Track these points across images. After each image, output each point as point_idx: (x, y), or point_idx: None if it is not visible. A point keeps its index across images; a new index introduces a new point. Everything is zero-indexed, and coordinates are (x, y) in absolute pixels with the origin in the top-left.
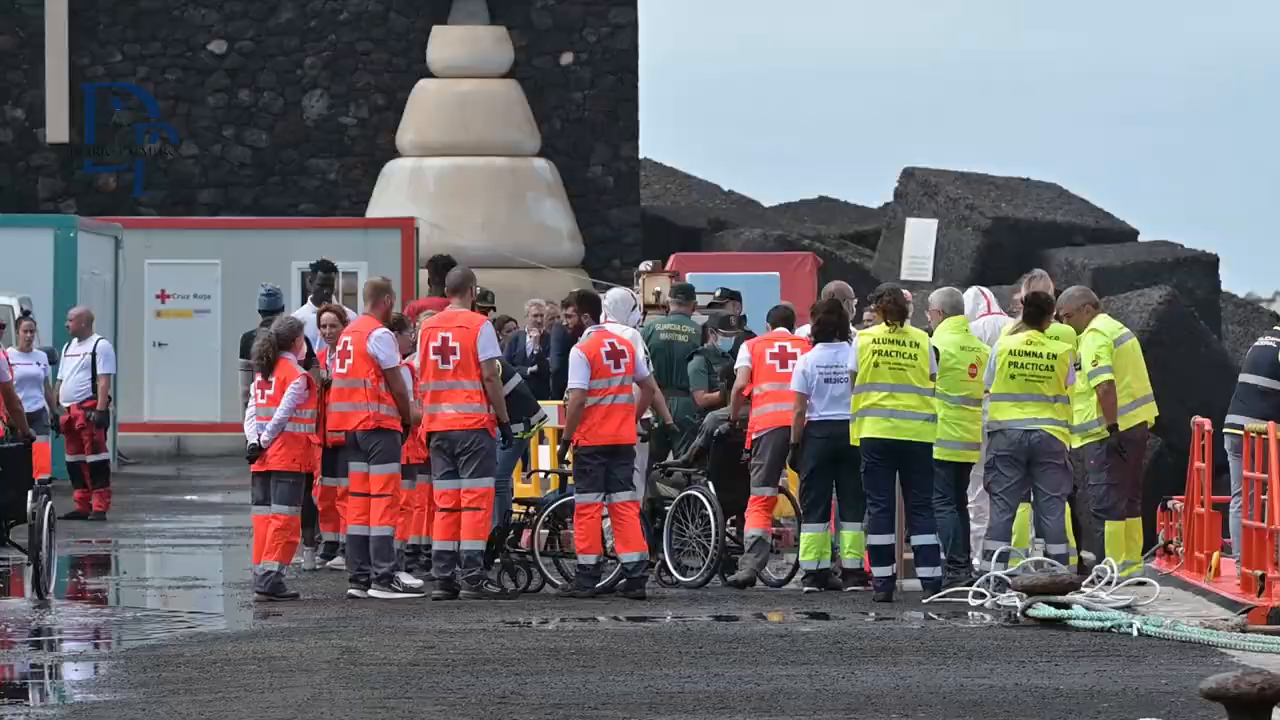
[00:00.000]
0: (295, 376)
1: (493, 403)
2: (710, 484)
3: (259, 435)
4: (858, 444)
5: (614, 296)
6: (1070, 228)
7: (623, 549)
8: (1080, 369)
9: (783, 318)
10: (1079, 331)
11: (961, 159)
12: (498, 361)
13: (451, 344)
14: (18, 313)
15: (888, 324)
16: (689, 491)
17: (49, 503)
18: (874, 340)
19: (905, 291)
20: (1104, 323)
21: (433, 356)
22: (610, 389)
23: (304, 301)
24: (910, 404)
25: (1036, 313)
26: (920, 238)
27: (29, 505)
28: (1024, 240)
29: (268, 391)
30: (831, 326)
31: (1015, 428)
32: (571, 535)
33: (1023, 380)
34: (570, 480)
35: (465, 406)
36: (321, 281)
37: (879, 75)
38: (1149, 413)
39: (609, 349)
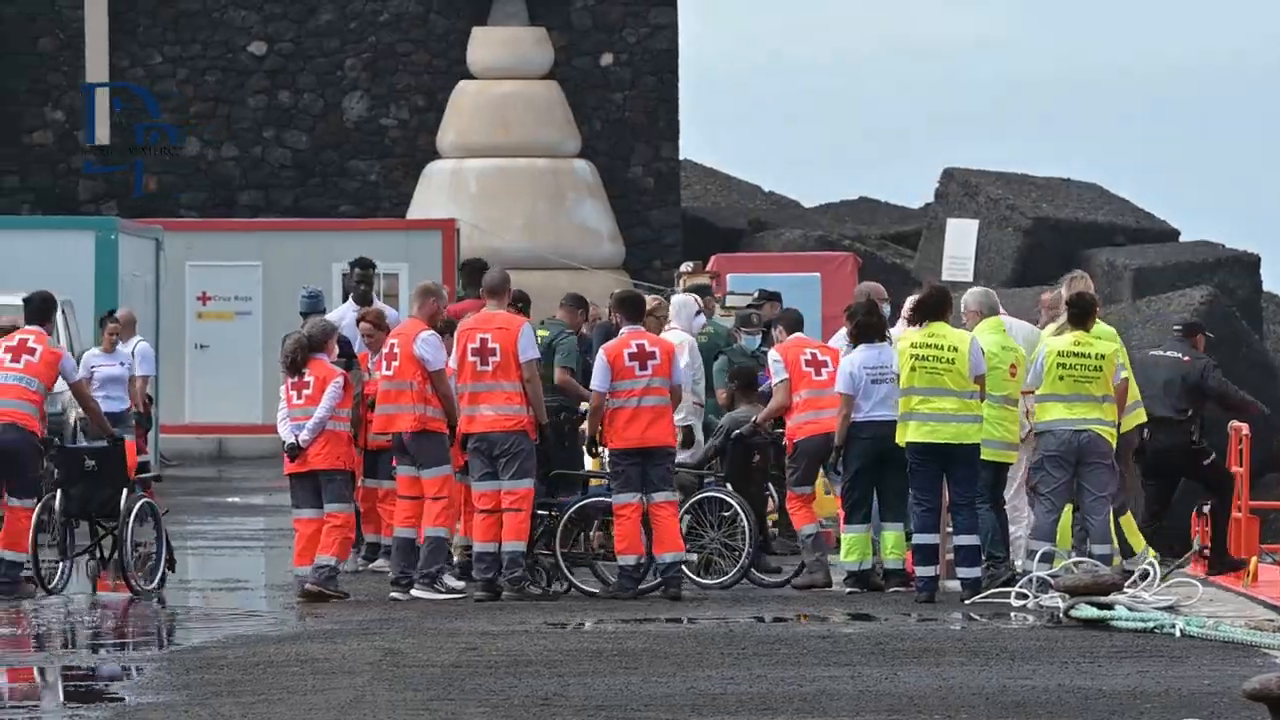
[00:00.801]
0: (334, 375)
1: (532, 404)
2: (728, 485)
3: (295, 435)
4: (903, 445)
5: (677, 302)
6: (1111, 228)
7: (659, 549)
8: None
9: (794, 321)
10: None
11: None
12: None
13: (491, 345)
14: (60, 314)
15: (919, 325)
16: (710, 493)
17: (142, 499)
18: (911, 344)
19: (945, 289)
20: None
21: (471, 358)
22: (635, 391)
23: (344, 301)
24: (947, 407)
25: (1081, 313)
26: (961, 238)
27: (123, 502)
28: (1065, 240)
29: (305, 391)
30: (872, 328)
31: (1064, 428)
32: (598, 537)
33: (1071, 381)
34: (592, 483)
35: (504, 408)
36: (359, 279)
37: (920, 76)
38: (1139, 418)
39: (634, 350)
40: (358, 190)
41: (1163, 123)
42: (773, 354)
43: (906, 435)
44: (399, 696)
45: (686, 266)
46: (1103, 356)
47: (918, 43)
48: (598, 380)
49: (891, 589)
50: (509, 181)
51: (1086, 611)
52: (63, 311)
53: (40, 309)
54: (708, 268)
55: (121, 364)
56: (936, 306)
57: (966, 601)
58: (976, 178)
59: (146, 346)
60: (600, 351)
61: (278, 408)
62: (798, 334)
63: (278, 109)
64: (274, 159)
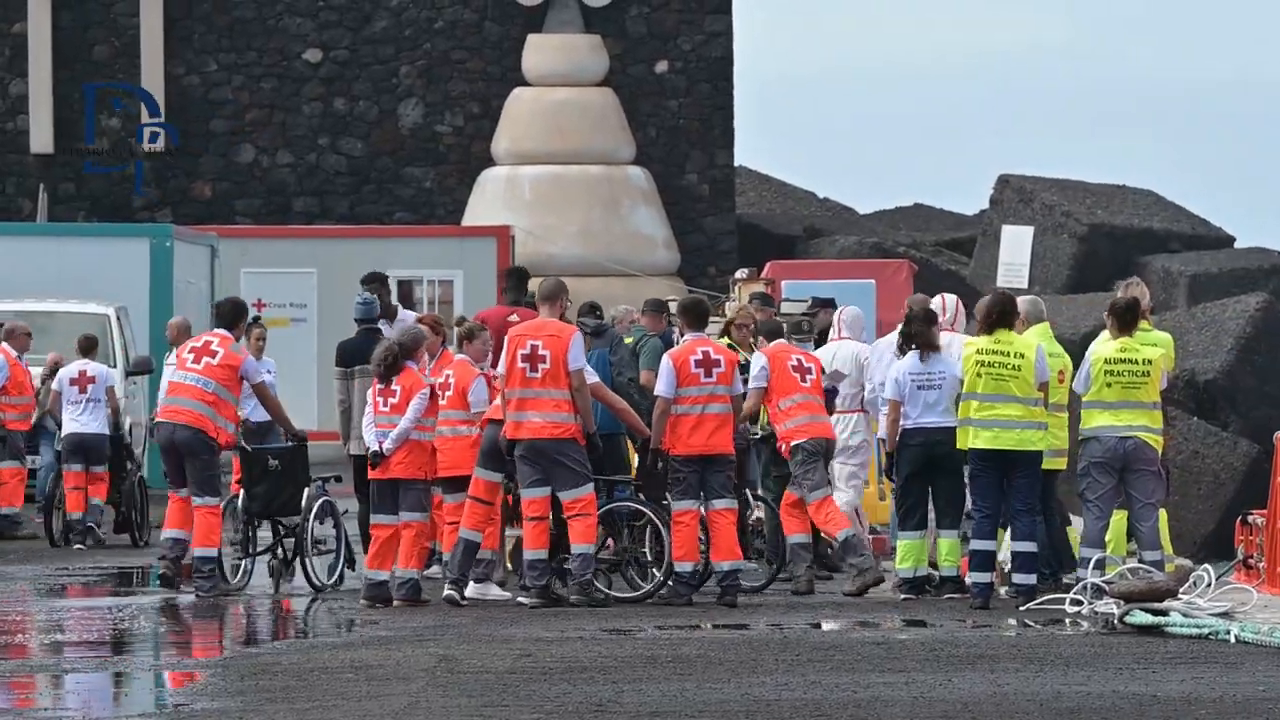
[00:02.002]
0: (421, 386)
1: (580, 412)
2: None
3: (380, 442)
4: (965, 450)
5: (851, 314)
6: (1166, 234)
7: (717, 557)
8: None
9: (774, 331)
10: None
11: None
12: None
13: (541, 352)
14: (115, 320)
15: (987, 331)
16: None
17: (323, 497)
18: (977, 350)
19: (1016, 299)
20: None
21: (520, 364)
22: (700, 398)
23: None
24: (1010, 414)
25: (1129, 319)
26: (1016, 245)
27: (304, 501)
28: (1120, 247)
29: (391, 400)
30: (923, 337)
31: (1109, 434)
32: (617, 543)
33: (1119, 387)
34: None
35: (553, 415)
36: (374, 293)
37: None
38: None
39: (700, 358)
40: (412, 197)
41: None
42: (758, 358)
43: (969, 441)
44: (453, 703)
45: (741, 273)
46: (1149, 362)
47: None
48: (663, 386)
49: (946, 596)
50: (564, 188)
51: (1141, 618)
52: (117, 318)
53: (230, 314)
54: (762, 275)
55: (269, 371)
56: (1004, 313)
57: (1021, 608)
58: (1032, 184)
59: None
60: (665, 357)
61: (341, 414)
62: (780, 341)
63: (333, 116)
64: (329, 166)
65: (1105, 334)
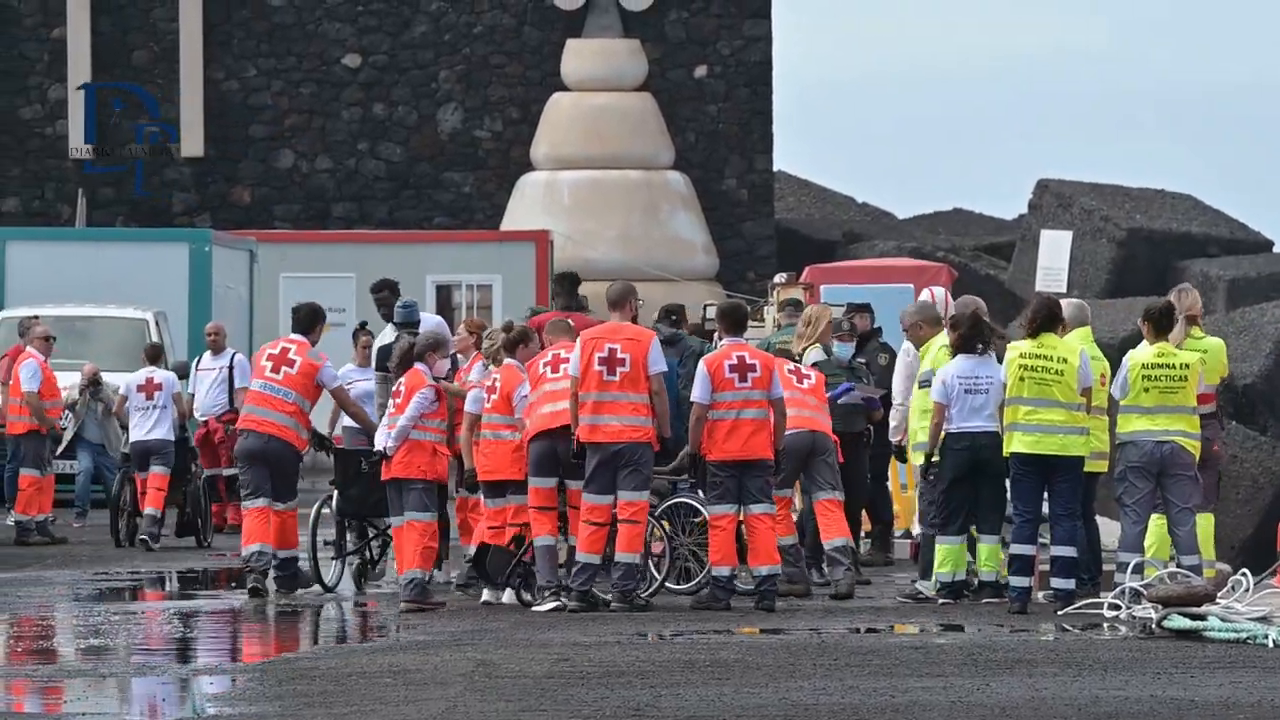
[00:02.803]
0: (422, 385)
1: (658, 417)
2: (701, 491)
3: (386, 442)
4: (1008, 455)
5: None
6: (1205, 239)
7: (754, 561)
8: (925, 386)
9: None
10: (917, 347)
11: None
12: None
13: (620, 355)
14: (153, 325)
15: (1031, 336)
16: (680, 498)
17: None
18: (1021, 354)
19: (1061, 302)
20: (945, 340)
21: (598, 367)
22: (735, 403)
23: (439, 314)
24: (1054, 419)
25: (1165, 323)
26: (1055, 249)
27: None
28: (1158, 252)
29: (396, 400)
30: (973, 340)
31: (1146, 439)
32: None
33: (1156, 392)
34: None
35: (632, 419)
36: (381, 301)
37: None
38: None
39: (735, 363)
40: (452, 202)
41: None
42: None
43: (1011, 445)
44: (491, 707)
45: (780, 278)
46: (1187, 366)
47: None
48: (698, 392)
49: (984, 600)
50: (603, 193)
51: (1179, 622)
52: (156, 323)
53: (307, 319)
54: (801, 279)
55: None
56: (1048, 318)
57: (1060, 613)
58: (1070, 189)
59: (244, 359)
60: (700, 363)
61: (381, 417)
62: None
63: (372, 121)
64: (368, 171)
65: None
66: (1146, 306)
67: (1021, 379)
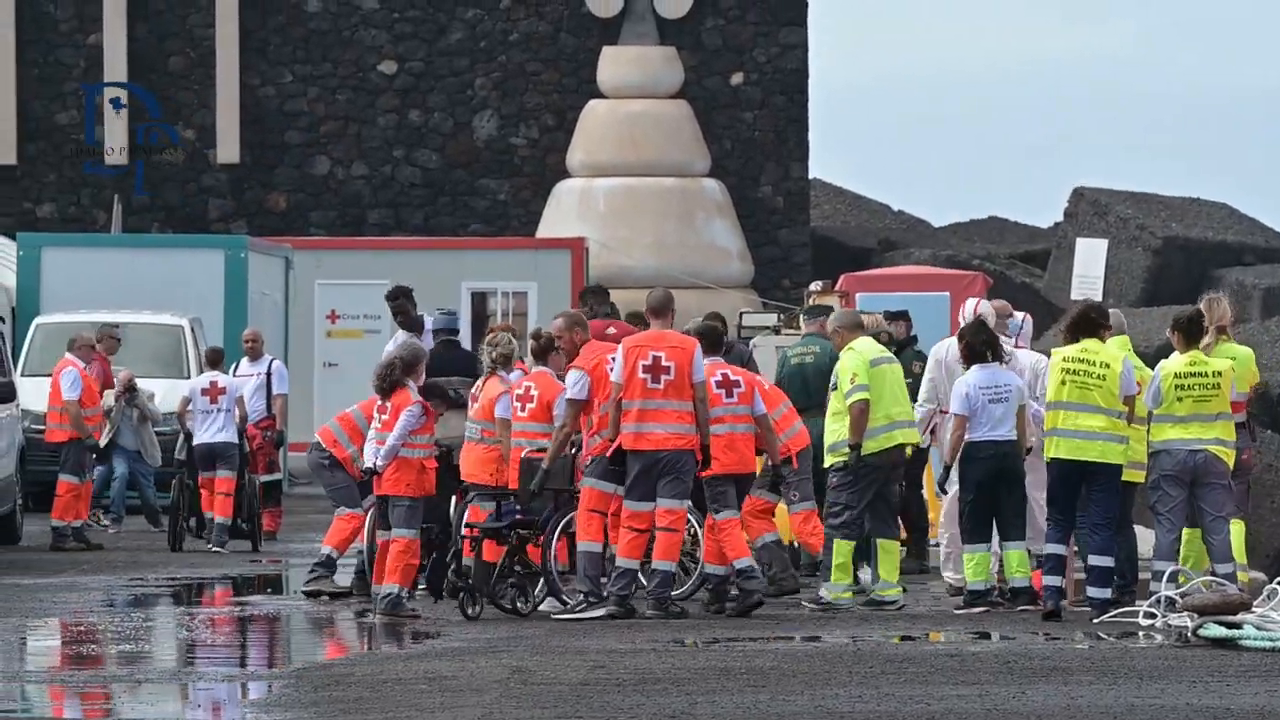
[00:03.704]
0: (409, 403)
1: (700, 425)
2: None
3: (375, 459)
4: (1048, 461)
5: (984, 310)
6: (1241, 247)
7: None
8: (837, 389)
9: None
10: (836, 352)
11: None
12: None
13: (665, 363)
14: (189, 332)
15: (1075, 340)
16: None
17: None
18: (1064, 359)
19: (1106, 309)
20: (863, 344)
21: (642, 374)
22: (725, 418)
23: (474, 321)
24: (1095, 425)
25: (1194, 331)
26: (1090, 257)
27: (452, 510)
28: (1194, 260)
29: (383, 416)
30: (981, 347)
31: (1180, 448)
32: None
33: (1190, 401)
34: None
35: (676, 427)
36: (396, 309)
37: (1050, 95)
38: (906, 437)
39: (720, 379)
40: (487, 209)
41: None
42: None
43: (1050, 452)
44: (526, 714)
45: (815, 286)
46: (1219, 374)
47: (1047, 61)
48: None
49: (1020, 608)
50: (638, 200)
51: (1214, 631)
52: (191, 330)
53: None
54: (836, 287)
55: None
56: (1090, 323)
57: (1095, 621)
58: (1106, 197)
59: (281, 365)
60: None
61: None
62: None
63: (408, 128)
64: (404, 178)
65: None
66: (1175, 316)
67: (1063, 383)
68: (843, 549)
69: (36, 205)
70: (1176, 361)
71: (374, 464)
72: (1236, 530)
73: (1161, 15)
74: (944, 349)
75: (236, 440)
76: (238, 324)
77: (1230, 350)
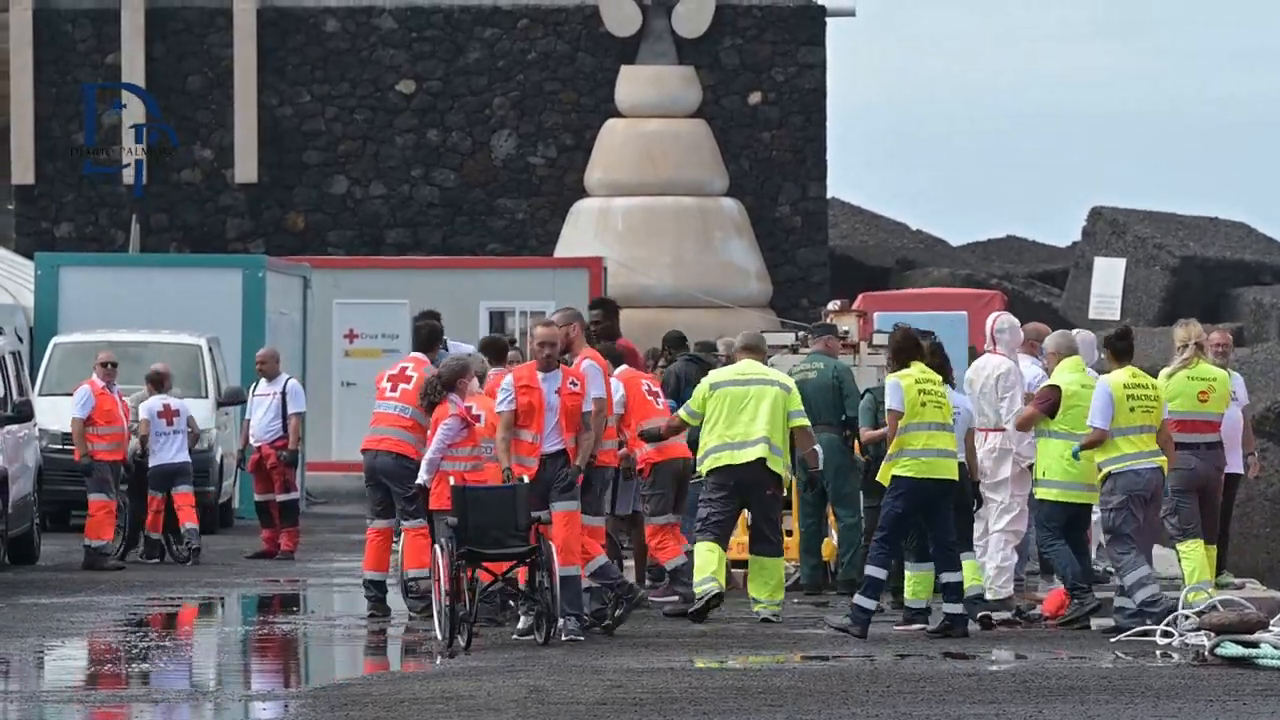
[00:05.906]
0: (445, 416)
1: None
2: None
3: (421, 476)
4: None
5: (1006, 322)
6: (1259, 266)
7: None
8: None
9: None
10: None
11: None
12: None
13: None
14: (207, 351)
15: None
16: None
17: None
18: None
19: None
20: (724, 370)
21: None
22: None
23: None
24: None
25: (1127, 349)
26: (1108, 276)
27: None
28: (1212, 279)
29: (429, 432)
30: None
31: (1145, 466)
32: None
33: (1140, 413)
34: None
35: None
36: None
37: (1067, 115)
38: (733, 458)
39: (646, 387)
40: (505, 228)
41: None
42: (617, 385)
43: (901, 471)
44: None
45: (833, 305)
46: (1158, 388)
47: (1066, 81)
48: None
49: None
50: (656, 220)
51: (1231, 649)
52: (209, 349)
53: (426, 339)
54: (854, 306)
55: None
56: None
57: (1112, 640)
58: (1124, 216)
59: (297, 384)
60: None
61: None
62: (625, 367)
63: (426, 147)
64: (422, 197)
65: (1165, 371)
66: (1105, 336)
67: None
68: (700, 549)
69: (55, 225)
70: (1119, 375)
71: (421, 479)
72: (1209, 549)
73: (1180, 35)
74: (975, 370)
75: (190, 459)
76: (255, 343)
77: (1210, 371)
